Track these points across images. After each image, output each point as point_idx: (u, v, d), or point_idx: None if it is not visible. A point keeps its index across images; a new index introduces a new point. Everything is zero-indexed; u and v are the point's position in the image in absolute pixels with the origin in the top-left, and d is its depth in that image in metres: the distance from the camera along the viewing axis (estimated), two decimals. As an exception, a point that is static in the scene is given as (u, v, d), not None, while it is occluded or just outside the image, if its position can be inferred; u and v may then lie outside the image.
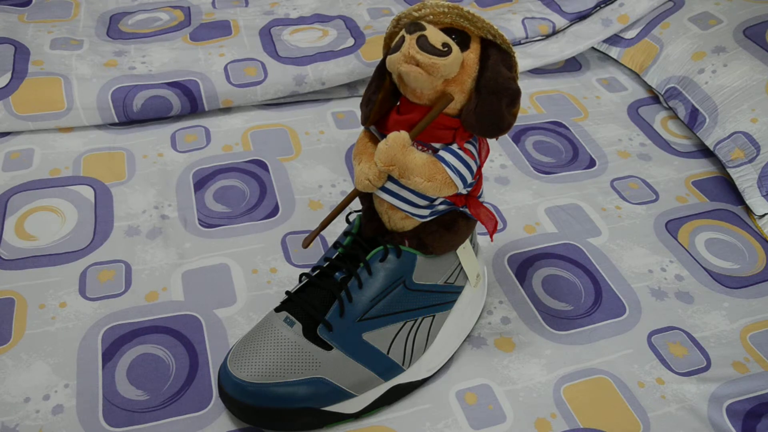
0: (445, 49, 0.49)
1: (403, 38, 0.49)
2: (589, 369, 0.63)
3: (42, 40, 0.95)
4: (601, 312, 0.69)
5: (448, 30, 0.51)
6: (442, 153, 0.53)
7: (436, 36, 0.48)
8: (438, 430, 0.58)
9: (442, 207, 0.56)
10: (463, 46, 0.51)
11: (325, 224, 0.58)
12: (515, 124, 0.94)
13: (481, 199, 0.58)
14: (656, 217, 0.81)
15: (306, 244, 0.57)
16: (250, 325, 0.65)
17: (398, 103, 0.55)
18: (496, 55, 0.51)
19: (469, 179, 0.54)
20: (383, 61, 0.55)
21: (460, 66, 0.50)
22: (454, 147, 0.53)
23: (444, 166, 0.52)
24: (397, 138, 0.51)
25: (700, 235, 0.78)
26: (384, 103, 0.55)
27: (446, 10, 0.50)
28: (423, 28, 0.48)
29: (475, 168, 0.54)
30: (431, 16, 0.51)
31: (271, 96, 0.93)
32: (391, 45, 0.55)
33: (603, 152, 0.90)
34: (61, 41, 0.96)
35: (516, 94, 0.51)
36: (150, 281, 0.69)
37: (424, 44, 0.48)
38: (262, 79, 0.92)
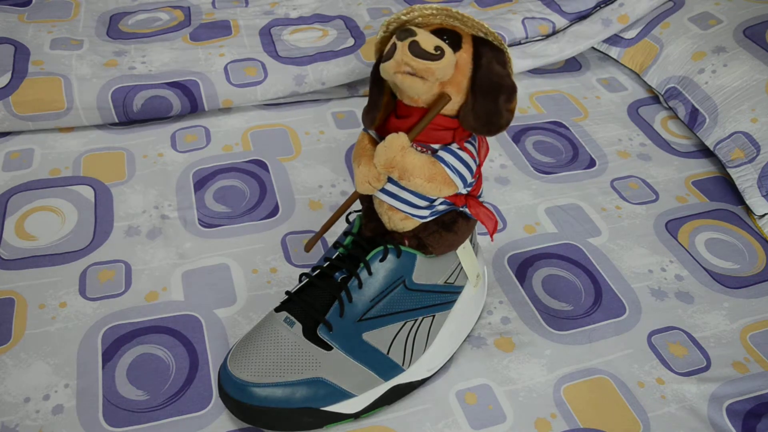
0: (438, 52, 0.48)
1: (394, 45, 0.49)
2: (589, 369, 0.63)
3: (42, 40, 0.95)
4: (601, 312, 0.69)
5: (438, 31, 0.51)
6: (441, 153, 0.53)
7: (427, 40, 0.48)
8: (438, 430, 0.58)
9: (442, 207, 0.56)
10: (455, 46, 0.51)
11: (326, 228, 0.58)
12: (515, 123, 0.94)
13: (480, 199, 0.58)
14: (656, 217, 0.81)
15: (308, 248, 0.57)
16: (250, 325, 0.65)
17: (396, 105, 0.55)
18: (489, 53, 0.51)
19: (469, 178, 0.54)
20: (377, 67, 0.55)
21: (455, 67, 0.50)
22: (454, 147, 0.53)
23: (443, 166, 0.52)
24: (396, 140, 0.51)
25: (700, 235, 0.78)
26: (387, 106, 0.55)
27: (435, 11, 0.50)
28: (414, 34, 0.48)
29: (474, 167, 0.54)
30: (420, 19, 0.51)
31: (271, 96, 0.93)
32: (382, 49, 0.55)
33: (603, 152, 0.90)
34: (61, 41, 0.96)
35: (512, 90, 0.52)
36: (150, 281, 0.69)
37: (416, 50, 0.48)
38: (262, 79, 0.92)
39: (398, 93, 0.53)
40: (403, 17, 0.51)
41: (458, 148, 0.53)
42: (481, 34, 0.51)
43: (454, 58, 0.50)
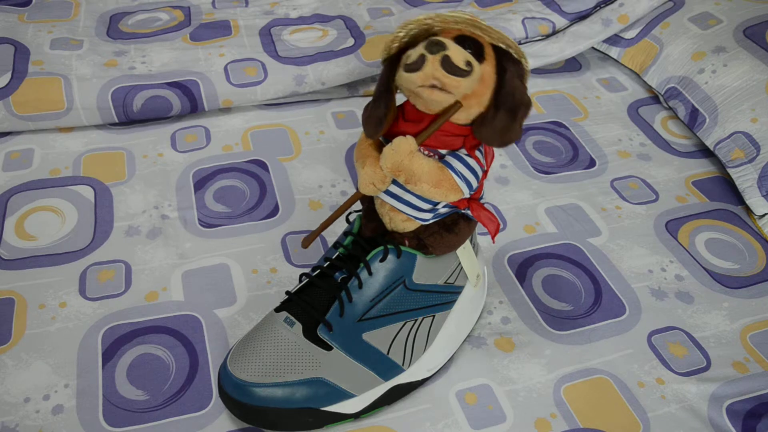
0: (468, 68, 0.48)
1: (423, 57, 0.47)
2: (589, 369, 0.63)
3: (42, 40, 0.95)
4: (601, 312, 0.69)
5: (458, 38, 0.50)
6: (449, 159, 0.52)
7: (458, 55, 0.48)
8: (438, 430, 0.58)
9: (444, 210, 0.56)
10: (478, 56, 0.50)
11: (325, 225, 0.58)
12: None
13: (481, 200, 0.58)
14: (656, 217, 0.81)
15: (306, 244, 0.57)
16: (250, 325, 0.65)
17: (403, 107, 0.54)
18: (511, 68, 0.51)
19: (475, 184, 0.54)
20: (387, 73, 0.53)
21: (479, 80, 0.50)
22: (462, 153, 0.53)
23: (451, 172, 0.52)
24: (404, 143, 0.51)
25: (700, 235, 0.78)
26: (390, 118, 0.54)
27: (458, 19, 0.50)
28: (445, 47, 0.47)
29: (481, 173, 0.54)
30: (440, 25, 0.51)
31: (271, 96, 0.93)
32: (394, 52, 0.53)
33: (603, 152, 0.90)
34: (61, 41, 0.96)
35: (529, 105, 0.52)
36: (150, 281, 0.69)
37: (448, 66, 0.47)
38: (262, 79, 0.92)
39: (412, 99, 0.52)
40: (427, 21, 0.50)
41: (466, 155, 0.53)
42: (503, 46, 0.51)
43: (480, 72, 0.49)
